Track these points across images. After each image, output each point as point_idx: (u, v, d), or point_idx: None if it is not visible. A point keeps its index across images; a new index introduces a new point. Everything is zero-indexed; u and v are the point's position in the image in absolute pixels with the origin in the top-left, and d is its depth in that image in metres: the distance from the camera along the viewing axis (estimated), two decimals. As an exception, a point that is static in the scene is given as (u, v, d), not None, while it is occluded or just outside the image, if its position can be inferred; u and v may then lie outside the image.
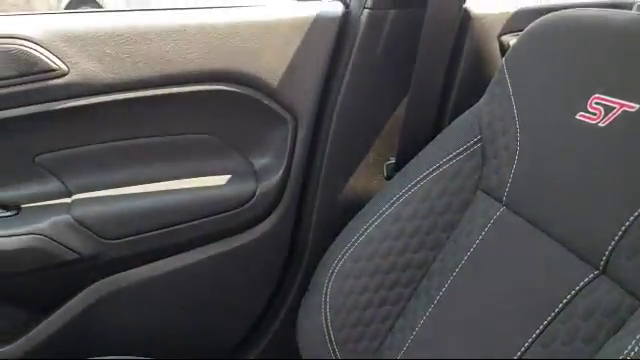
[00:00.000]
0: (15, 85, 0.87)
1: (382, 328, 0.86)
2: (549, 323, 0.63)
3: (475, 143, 0.85)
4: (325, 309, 0.88)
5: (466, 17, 1.00)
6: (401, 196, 0.87)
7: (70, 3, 4.31)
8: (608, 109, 0.65)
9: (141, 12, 0.95)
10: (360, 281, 0.87)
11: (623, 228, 0.59)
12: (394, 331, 0.85)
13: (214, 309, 1.05)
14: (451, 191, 0.85)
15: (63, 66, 0.87)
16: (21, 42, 0.85)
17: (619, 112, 0.64)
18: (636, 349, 0.50)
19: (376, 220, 0.88)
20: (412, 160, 0.91)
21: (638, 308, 0.55)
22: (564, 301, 0.62)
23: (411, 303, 0.84)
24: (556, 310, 0.62)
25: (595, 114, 0.67)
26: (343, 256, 0.89)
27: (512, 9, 1.02)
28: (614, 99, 0.65)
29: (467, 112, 0.89)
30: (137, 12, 0.96)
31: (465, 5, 0.99)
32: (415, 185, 0.87)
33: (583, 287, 0.62)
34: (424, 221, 0.85)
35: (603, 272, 0.61)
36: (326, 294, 0.88)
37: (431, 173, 0.86)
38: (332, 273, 0.89)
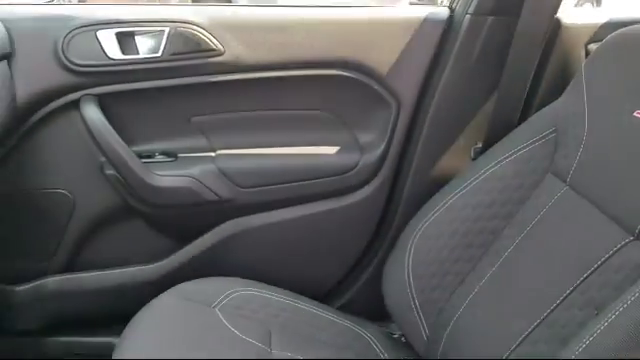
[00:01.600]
0: (184, 60, 1.13)
1: (454, 281, 1.02)
2: (588, 275, 0.78)
3: (550, 133, 0.99)
4: (408, 263, 1.06)
5: (557, 26, 1.14)
6: (482, 174, 1.03)
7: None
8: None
9: (283, 7, 1.19)
10: (439, 241, 1.04)
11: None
12: (464, 284, 1.01)
13: (317, 254, 1.28)
14: (525, 172, 1.00)
15: (221, 47, 1.12)
16: (192, 26, 1.11)
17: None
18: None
19: (459, 192, 1.05)
20: (495, 144, 1.07)
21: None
22: (602, 259, 0.77)
23: (481, 262, 1.01)
24: (595, 265, 0.77)
25: (646, 113, 0.81)
26: (427, 220, 1.06)
27: (600, 20, 1.15)
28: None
29: (547, 107, 1.03)
30: (280, 7, 1.19)
31: (557, 15, 1.13)
32: (495, 165, 1.03)
33: (620, 249, 0.76)
34: (499, 195, 1.01)
35: (637, 238, 0.75)
36: (410, 250, 1.06)
37: (510, 156, 1.02)
38: (417, 234, 1.07)
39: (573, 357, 0.66)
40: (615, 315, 0.65)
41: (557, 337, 0.76)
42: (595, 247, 0.79)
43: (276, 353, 0.97)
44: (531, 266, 0.90)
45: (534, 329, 0.81)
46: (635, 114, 0.82)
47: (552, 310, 0.80)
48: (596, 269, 0.77)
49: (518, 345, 0.81)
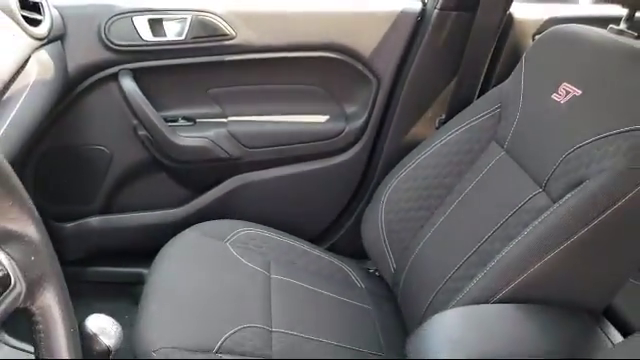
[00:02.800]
0: (202, 42, 1.35)
1: (416, 225, 1.26)
2: (508, 217, 1.01)
3: (496, 108, 1.21)
4: (381, 211, 1.29)
5: (509, 19, 1.36)
6: (443, 140, 1.26)
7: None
8: (568, 91, 1.01)
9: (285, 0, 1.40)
10: (407, 194, 1.28)
11: (560, 159, 0.95)
12: (423, 228, 1.25)
13: (309, 204, 1.52)
14: (475, 139, 1.22)
15: (233, 32, 1.34)
16: (210, 15, 1.33)
17: (572, 93, 1.00)
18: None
19: (424, 154, 1.27)
20: (455, 116, 1.30)
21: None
22: (519, 205, 1.00)
23: (437, 210, 1.24)
24: (514, 210, 1.00)
25: (564, 94, 1.03)
26: (398, 177, 1.29)
27: (545, 16, 1.36)
28: (572, 86, 1.01)
29: (496, 87, 1.26)
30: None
31: (510, 10, 1.34)
32: (453, 133, 1.25)
33: (531, 197, 1.00)
34: (454, 157, 1.24)
35: (543, 190, 0.99)
36: (383, 201, 1.30)
37: (464, 126, 1.24)
38: (389, 188, 1.30)
39: (488, 268, 0.90)
40: (522, 236, 0.89)
41: (483, 263, 1.00)
42: (516, 196, 1.03)
43: (274, 277, 1.21)
44: (471, 212, 1.13)
45: (468, 258, 1.05)
46: (552, 96, 1.05)
47: (481, 244, 1.04)
48: (514, 212, 1.01)
49: (456, 270, 1.06)
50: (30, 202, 0.48)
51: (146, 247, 1.31)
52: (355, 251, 1.43)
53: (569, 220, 0.85)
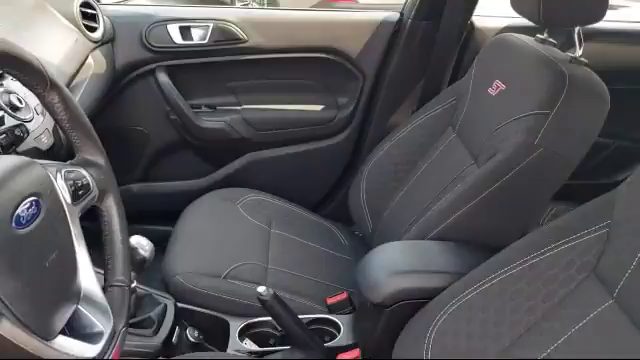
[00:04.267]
0: (221, 45, 1.65)
1: (388, 194, 1.50)
2: (448, 184, 1.28)
3: (453, 100, 1.47)
4: (363, 184, 1.55)
5: (471, 27, 1.62)
6: (412, 125, 1.51)
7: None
8: (498, 86, 1.28)
9: (288, 10, 1.70)
10: (382, 169, 1.53)
11: (487, 138, 1.22)
12: (392, 196, 1.51)
13: (309, 177, 1.80)
14: (436, 125, 1.48)
15: (245, 37, 1.64)
16: (227, 23, 1.63)
17: (500, 88, 1.27)
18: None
19: (397, 137, 1.53)
20: (423, 106, 1.57)
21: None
22: (457, 173, 1.27)
23: (403, 181, 1.49)
24: (454, 177, 1.28)
25: (495, 88, 1.30)
26: (376, 155, 1.54)
27: (501, 25, 1.62)
28: (500, 82, 1.28)
29: (455, 84, 1.52)
30: (286, 9, 1.70)
31: (472, 20, 1.61)
32: (420, 120, 1.50)
33: (465, 169, 1.27)
34: (420, 139, 1.49)
35: (476, 163, 1.25)
36: (365, 175, 1.56)
37: (429, 114, 1.50)
38: (369, 165, 1.55)
39: (424, 217, 1.18)
40: (450, 193, 1.17)
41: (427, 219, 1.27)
42: (456, 169, 1.30)
43: (273, 231, 1.49)
44: (425, 182, 1.40)
45: (418, 216, 1.32)
46: (488, 90, 1.32)
47: (427, 205, 1.30)
48: (453, 180, 1.28)
49: (409, 225, 1.33)
50: (99, 142, 0.78)
51: (174, 209, 1.59)
52: (346, 218, 1.71)
53: (483, 180, 1.12)
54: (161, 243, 1.72)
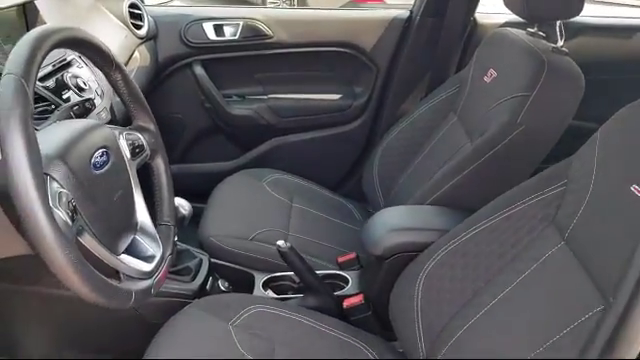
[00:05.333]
0: (250, 41, 1.84)
1: (397, 172, 1.67)
2: (446, 161, 1.45)
3: (456, 88, 1.63)
4: (376, 161, 1.71)
5: (474, 23, 1.78)
6: (420, 111, 1.67)
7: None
8: (492, 74, 1.43)
9: (309, 9, 1.88)
10: (395, 150, 1.68)
11: (481, 118, 1.38)
12: (401, 172, 1.68)
13: (328, 159, 1.97)
14: (440, 110, 1.63)
15: (271, 33, 1.83)
16: (255, 21, 1.82)
17: (493, 75, 1.42)
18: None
19: (407, 121, 1.68)
20: (430, 94, 1.73)
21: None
22: (454, 152, 1.44)
23: (412, 160, 1.67)
24: (450, 155, 1.44)
25: (490, 76, 1.45)
26: (388, 138, 1.72)
27: (502, 20, 1.77)
28: (494, 71, 1.43)
29: (458, 73, 1.68)
30: (307, 9, 1.88)
31: (474, 16, 1.76)
32: (427, 106, 1.65)
33: (461, 148, 1.43)
34: (427, 123, 1.63)
35: (471, 141, 1.41)
36: (377, 156, 1.73)
37: (435, 101, 1.66)
38: (382, 146, 1.72)
39: (424, 186, 1.34)
40: (446, 165, 1.33)
41: (425, 188, 1.44)
42: (455, 146, 1.46)
43: (295, 205, 1.67)
44: (429, 159, 1.57)
45: (423, 187, 1.49)
46: (484, 78, 1.47)
47: (431, 177, 1.48)
48: (451, 157, 1.44)
49: (413, 195, 1.50)
50: (151, 113, 0.98)
51: (207, 188, 1.76)
52: (361, 196, 1.87)
53: (472, 155, 1.28)
54: (195, 218, 1.94)
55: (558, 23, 1.31)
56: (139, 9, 1.72)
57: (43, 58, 0.69)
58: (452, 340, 0.98)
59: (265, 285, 1.37)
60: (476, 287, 1.01)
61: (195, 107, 1.92)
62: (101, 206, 0.78)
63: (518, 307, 0.91)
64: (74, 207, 0.71)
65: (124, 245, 0.83)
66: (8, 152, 0.62)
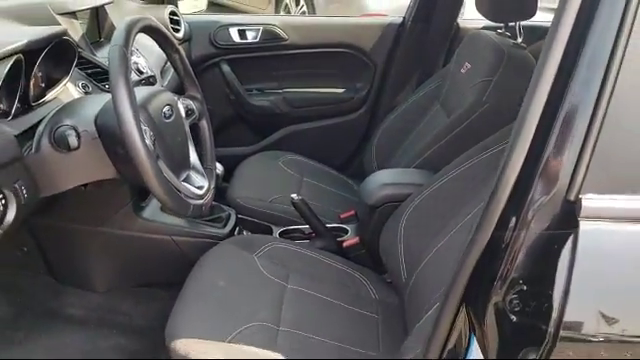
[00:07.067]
0: (269, 43, 2.16)
1: (393, 150, 1.99)
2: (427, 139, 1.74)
3: (440, 81, 1.93)
4: (374, 147, 2.02)
5: (457, 28, 2.08)
6: (410, 101, 1.98)
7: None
8: (466, 66, 1.73)
9: (318, 17, 2.19)
10: (390, 132, 1.99)
11: (457, 101, 1.68)
12: (398, 149, 1.98)
13: (334, 144, 2.26)
14: (428, 99, 1.92)
15: (286, 37, 2.14)
16: (272, 26, 2.14)
17: (467, 67, 1.72)
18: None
19: (401, 109, 1.99)
20: (418, 88, 2.02)
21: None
22: (436, 130, 1.73)
23: (407, 138, 1.97)
24: (433, 133, 1.74)
25: (465, 68, 1.75)
26: (385, 125, 2.02)
27: (481, 25, 2.07)
28: (468, 64, 1.73)
29: (442, 69, 1.97)
30: (316, 16, 2.20)
31: (458, 21, 2.07)
32: (416, 96, 1.97)
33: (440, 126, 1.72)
34: (417, 110, 1.94)
35: (444, 110, 1.71)
36: (375, 140, 2.02)
37: (422, 92, 1.96)
38: (380, 132, 2.01)
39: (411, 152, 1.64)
40: (428, 137, 1.63)
41: (411, 156, 1.73)
42: (436, 127, 1.75)
43: (305, 180, 1.96)
44: (416, 140, 1.86)
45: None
46: (461, 70, 1.77)
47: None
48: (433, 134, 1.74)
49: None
50: (199, 86, 1.29)
51: (230, 169, 2.07)
52: (362, 176, 2.17)
53: (448, 127, 1.59)
54: (221, 193, 2.23)
55: (517, 24, 1.61)
56: (177, 16, 2.04)
57: (135, 36, 1.00)
58: (423, 263, 1.23)
59: (281, 235, 1.66)
60: (444, 222, 1.27)
61: (221, 99, 2.23)
62: (168, 144, 1.08)
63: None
64: (154, 140, 1.01)
65: (183, 176, 1.13)
66: (116, 101, 0.93)
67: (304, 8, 3.76)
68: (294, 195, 1.53)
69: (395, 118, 2.00)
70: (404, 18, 2.14)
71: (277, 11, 3.23)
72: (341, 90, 2.26)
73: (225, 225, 1.57)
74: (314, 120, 2.27)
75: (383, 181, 1.52)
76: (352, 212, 1.71)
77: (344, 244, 1.55)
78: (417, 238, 1.32)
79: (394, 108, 2.05)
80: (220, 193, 1.74)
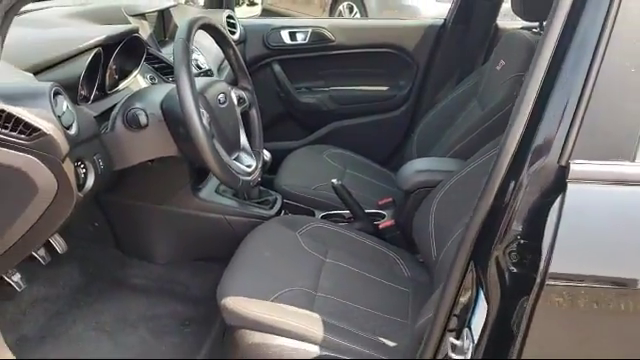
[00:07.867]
0: (317, 44, 2.30)
1: (431, 144, 2.09)
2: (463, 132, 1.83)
3: (478, 78, 2.01)
4: (414, 141, 2.11)
5: (496, 28, 2.16)
6: (447, 99, 2.06)
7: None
8: (501, 63, 1.81)
9: (364, 19, 2.32)
10: (429, 127, 2.08)
11: (491, 96, 1.77)
12: (435, 143, 2.07)
13: (378, 139, 2.36)
14: (466, 95, 2.00)
15: (333, 38, 2.28)
16: (320, 28, 2.28)
17: (502, 64, 1.80)
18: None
19: (441, 106, 2.07)
20: (457, 85, 2.11)
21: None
22: (471, 122, 1.82)
23: (445, 131, 2.06)
24: (469, 125, 1.83)
25: (500, 65, 1.83)
26: (424, 120, 2.12)
27: (519, 25, 2.14)
28: (503, 61, 1.81)
29: (480, 67, 2.06)
30: (361, 19, 2.32)
31: (497, 22, 2.15)
32: (455, 93, 2.05)
33: (471, 110, 1.81)
34: (455, 105, 2.04)
35: (480, 104, 1.79)
36: (415, 136, 2.12)
37: (460, 90, 2.05)
38: (420, 127, 2.12)
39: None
40: (463, 127, 1.73)
41: (446, 146, 1.83)
42: (474, 116, 1.84)
43: (347, 171, 2.07)
44: (454, 134, 1.96)
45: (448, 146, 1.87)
46: (496, 67, 1.85)
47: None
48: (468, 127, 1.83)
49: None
50: (250, 78, 1.44)
51: (278, 161, 2.20)
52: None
53: (481, 119, 1.68)
54: (269, 185, 2.38)
55: (550, 21, 1.68)
56: (233, 19, 2.22)
57: (196, 31, 1.16)
58: (449, 242, 1.30)
59: (322, 219, 1.79)
60: (470, 205, 1.38)
61: (272, 97, 2.38)
62: (222, 126, 1.24)
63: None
64: (209, 122, 1.17)
65: (234, 155, 1.28)
66: (179, 86, 1.08)
67: (357, 15, 3.90)
68: (334, 180, 1.65)
69: (435, 114, 2.09)
70: (445, 20, 2.24)
71: (331, 18, 3.45)
72: (385, 88, 2.37)
73: (272, 207, 1.71)
74: (358, 117, 2.39)
75: (417, 168, 1.62)
76: (390, 199, 1.82)
77: (380, 226, 1.66)
78: (446, 220, 1.42)
79: (434, 105, 2.14)
80: (268, 182, 1.90)
